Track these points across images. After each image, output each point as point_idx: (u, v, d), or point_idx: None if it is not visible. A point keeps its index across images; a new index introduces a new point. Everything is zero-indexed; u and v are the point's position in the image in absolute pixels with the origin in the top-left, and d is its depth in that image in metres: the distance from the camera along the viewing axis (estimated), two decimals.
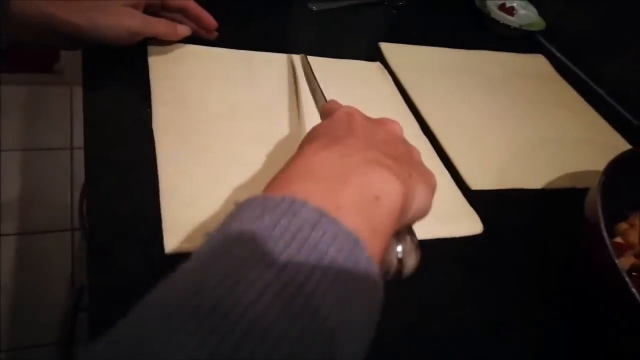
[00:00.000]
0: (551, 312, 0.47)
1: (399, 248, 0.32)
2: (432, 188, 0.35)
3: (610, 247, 0.40)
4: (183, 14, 0.60)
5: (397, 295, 0.27)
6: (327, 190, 0.27)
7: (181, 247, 0.41)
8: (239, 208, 0.26)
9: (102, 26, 0.50)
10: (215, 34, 0.63)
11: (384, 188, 0.29)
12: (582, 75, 0.85)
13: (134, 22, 0.53)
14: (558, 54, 0.89)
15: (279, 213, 0.24)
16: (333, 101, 0.43)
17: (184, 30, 0.58)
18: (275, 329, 0.20)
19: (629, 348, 0.44)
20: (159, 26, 0.56)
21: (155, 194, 0.44)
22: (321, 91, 0.51)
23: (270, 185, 0.29)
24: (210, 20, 0.61)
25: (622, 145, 0.71)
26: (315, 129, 0.36)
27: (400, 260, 0.32)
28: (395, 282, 0.31)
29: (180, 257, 0.40)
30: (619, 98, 0.81)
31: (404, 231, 0.33)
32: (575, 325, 0.46)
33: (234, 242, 0.24)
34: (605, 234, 0.41)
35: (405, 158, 0.34)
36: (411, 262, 0.32)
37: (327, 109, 0.42)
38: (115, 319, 0.30)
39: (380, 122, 0.37)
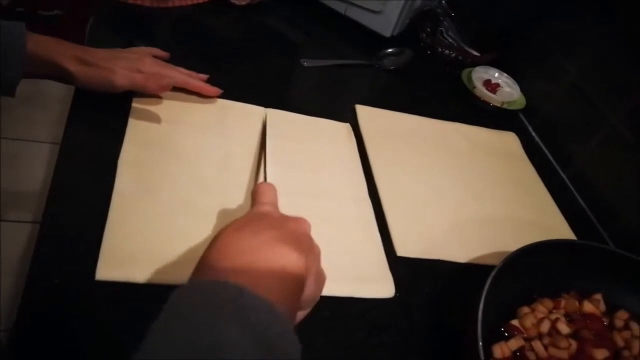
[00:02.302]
0: None
1: None
2: (322, 281, 0.42)
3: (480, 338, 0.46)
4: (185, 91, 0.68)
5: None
6: (243, 266, 0.34)
7: (110, 276, 0.47)
8: (176, 296, 0.31)
9: (86, 76, 0.59)
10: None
11: (289, 259, 0.36)
12: (550, 156, 0.90)
13: (116, 78, 0.60)
14: (533, 133, 0.94)
15: (205, 296, 0.31)
16: (265, 188, 0.47)
17: (168, 84, 0.65)
18: None
19: None
20: (140, 81, 0.62)
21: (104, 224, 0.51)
22: (265, 167, 0.61)
23: (198, 270, 0.36)
24: (210, 91, 0.70)
25: (565, 232, 0.74)
26: (233, 221, 0.41)
27: None
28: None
29: (106, 284, 0.47)
30: (579, 183, 0.84)
31: None
32: None
33: (174, 326, 0.29)
34: (479, 328, 0.46)
35: (307, 248, 0.40)
36: None
37: (253, 195, 0.47)
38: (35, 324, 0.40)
39: (293, 219, 0.43)
